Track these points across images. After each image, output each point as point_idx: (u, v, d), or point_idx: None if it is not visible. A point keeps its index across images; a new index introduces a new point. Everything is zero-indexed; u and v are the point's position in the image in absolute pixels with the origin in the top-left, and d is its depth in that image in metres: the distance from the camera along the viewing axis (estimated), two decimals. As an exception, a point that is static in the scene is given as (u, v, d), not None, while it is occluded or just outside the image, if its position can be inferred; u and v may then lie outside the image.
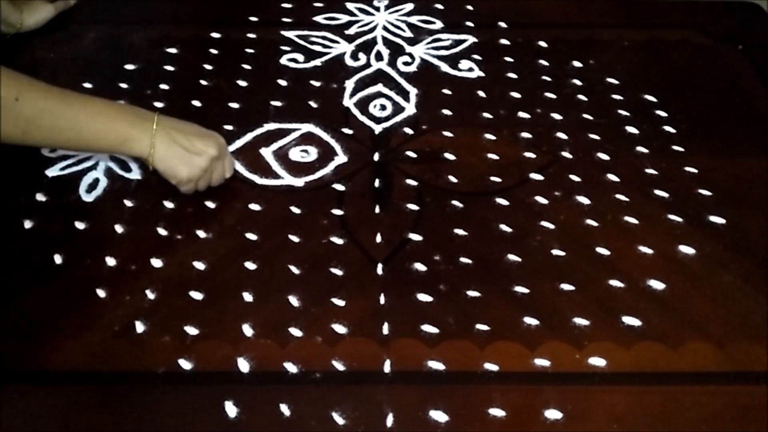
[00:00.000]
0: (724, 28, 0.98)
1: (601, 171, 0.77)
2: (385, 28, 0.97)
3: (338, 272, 0.67)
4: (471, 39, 0.95)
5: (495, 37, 0.96)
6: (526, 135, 0.82)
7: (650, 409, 0.58)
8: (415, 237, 0.70)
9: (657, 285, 0.66)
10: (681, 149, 0.80)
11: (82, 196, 0.73)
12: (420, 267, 0.68)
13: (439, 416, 0.57)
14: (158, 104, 0.84)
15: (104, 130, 0.66)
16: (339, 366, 0.60)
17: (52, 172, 0.75)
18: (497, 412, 0.57)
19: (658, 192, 0.75)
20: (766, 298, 0.66)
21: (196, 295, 0.65)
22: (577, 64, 0.92)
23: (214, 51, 0.92)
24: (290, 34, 0.95)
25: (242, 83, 0.88)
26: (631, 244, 0.70)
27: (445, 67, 0.91)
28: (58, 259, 0.67)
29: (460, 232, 0.71)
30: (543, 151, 0.80)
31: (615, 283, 0.67)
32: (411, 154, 0.79)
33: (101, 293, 0.65)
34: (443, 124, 0.83)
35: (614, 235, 0.71)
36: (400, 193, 0.75)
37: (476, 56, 0.93)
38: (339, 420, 0.56)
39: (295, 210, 0.73)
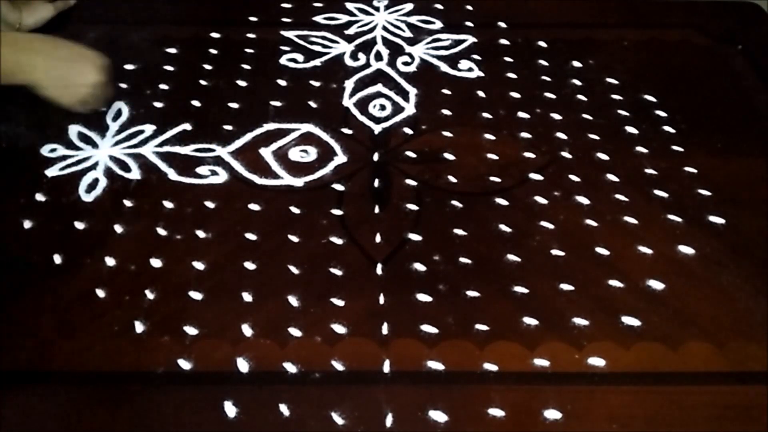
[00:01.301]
0: (724, 28, 0.98)
1: (600, 171, 0.77)
2: (384, 28, 0.97)
3: (338, 272, 0.67)
4: (471, 39, 0.95)
5: (495, 37, 0.96)
6: (525, 135, 0.82)
7: (650, 409, 0.58)
8: (415, 237, 0.70)
9: (657, 285, 0.66)
10: (681, 149, 0.80)
11: (81, 196, 0.73)
12: (419, 267, 0.68)
13: (438, 416, 0.57)
14: (158, 104, 0.84)
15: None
16: (338, 366, 0.60)
17: (52, 172, 0.75)
18: (497, 412, 0.57)
19: (657, 192, 0.75)
20: (766, 298, 0.66)
21: (196, 295, 0.65)
22: (576, 64, 0.92)
23: (214, 51, 0.92)
24: (290, 34, 0.95)
25: (242, 83, 0.88)
26: (631, 244, 0.70)
27: (444, 67, 0.91)
28: (58, 259, 0.67)
29: (459, 232, 0.71)
30: (543, 151, 0.80)
31: (615, 283, 0.67)
32: (410, 154, 0.79)
33: (101, 293, 0.65)
34: (443, 124, 0.83)
35: (614, 235, 0.71)
36: (400, 193, 0.75)
37: (476, 56, 0.93)
38: (338, 420, 0.56)
39: (295, 210, 0.73)
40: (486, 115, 0.84)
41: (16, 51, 0.70)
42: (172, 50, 0.92)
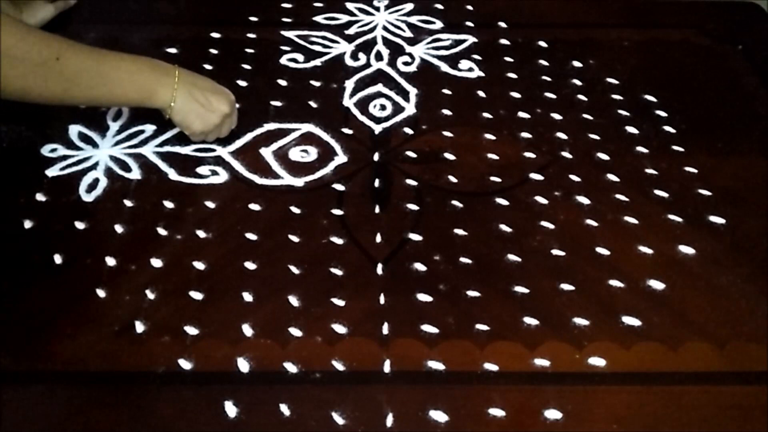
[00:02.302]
0: (724, 28, 0.98)
1: (601, 171, 0.77)
2: (385, 28, 0.97)
3: (338, 272, 0.67)
4: (471, 39, 0.95)
5: (495, 37, 0.96)
6: (526, 135, 0.82)
7: (650, 409, 0.58)
8: (415, 237, 0.70)
9: (657, 285, 0.66)
10: (681, 149, 0.80)
11: (82, 196, 0.73)
12: (420, 267, 0.68)
13: (438, 416, 0.57)
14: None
15: (132, 86, 0.71)
16: (339, 366, 0.60)
17: (52, 172, 0.75)
18: (497, 412, 0.57)
19: (658, 192, 0.75)
20: (766, 298, 0.66)
21: (196, 295, 0.65)
22: (576, 64, 0.92)
23: (214, 51, 0.92)
24: (290, 34, 0.95)
25: (242, 83, 0.88)
26: (631, 244, 0.70)
27: (445, 67, 0.91)
28: (58, 259, 0.67)
29: (460, 232, 0.71)
30: (543, 151, 0.80)
31: (615, 283, 0.67)
32: (411, 154, 0.79)
33: (101, 293, 0.65)
34: (443, 124, 0.83)
35: (614, 235, 0.71)
36: (400, 193, 0.75)
37: (476, 56, 0.93)
38: (339, 420, 0.56)
39: (295, 210, 0.73)
40: (486, 115, 0.84)
41: (158, 75, 0.72)
42: (172, 50, 0.92)
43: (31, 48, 0.64)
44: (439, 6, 1.01)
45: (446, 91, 0.87)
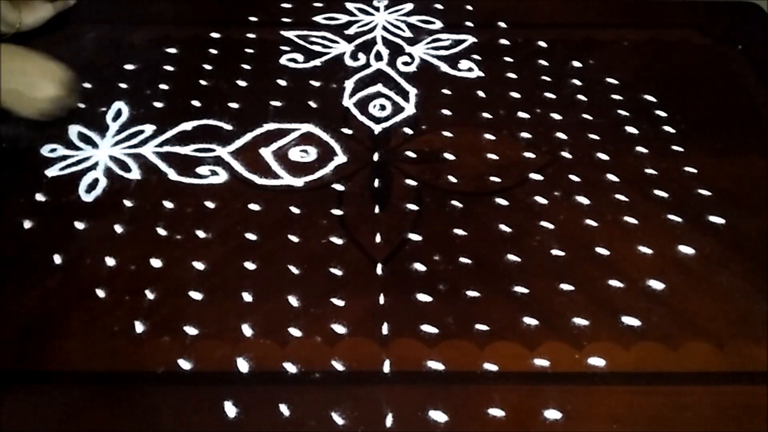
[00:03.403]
0: (724, 28, 0.98)
1: (600, 171, 0.77)
2: (384, 28, 0.97)
3: (338, 272, 0.67)
4: (471, 39, 0.95)
5: (495, 37, 0.96)
6: (525, 135, 0.82)
7: (650, 409, 0.58)
8: (415, 237, 0.70)
9: (657, 285, 0.66)
10: (681, 149, 0.80)
11: (81, 196, 0.73)
12: (420, 267, 0.68)
13: (438, 416, 0.57)
14: (158, 104, 0.84)
15: None
16: (339, 366, 0.60)
17: (52, 172, 0.75)
18: (497, 412, 0.57)
19: (657, 192, 0.75)
20: (766, 298, 0.66)
21: (196, 295, 0.65)
22: (576, 64, 0.92)
23: (214, 51, 0.92)
24: (290, 34, 0.95)
25: (242, 83, 0.88)
26: (631, 244, 0.70)
27: (444, 67, 0.91)
28: (58, 259, 0.67)
29: (459, 232, 0.71)
30: (543, 151, 0.80)
31: (615, 283, 0.67)
32: (411, 154, 0.79)
33: (101, 293, 0.65)
34: (443, 124, 0.83)
35: (614, 235, 0.71)
36: (400, 193, 0.75)
37: (476, 56, 0.93)
38: (339, 420, 0.56)
39: (295, 210, 0.73)
40: (486, 115, 0.84)
41: None
42: (172, 50, 0.92)
43: None
44: (439, 6, 1.01)
45: (446, 91, 0.87)
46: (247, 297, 0.65)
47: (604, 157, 0.79)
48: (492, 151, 0.80)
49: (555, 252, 0.69)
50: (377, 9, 1.00)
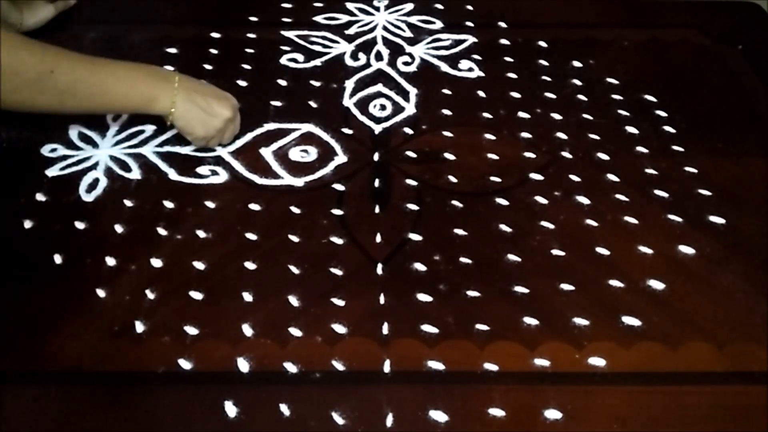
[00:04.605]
0: (724, 28, 0.98)
1: (601, 171, 0.77)
2: (385, 28, 0.97)
3: (338, 272, 0.67)
4: (471, 39, 0.95)
5: (495, 37, 0.96)
6: (526, 135, 0.82)
7: (650, 409, 0.58)
8: (415, 237, 0.70)
9: (657, 285, 0.66)
10: (681, 149, 0.80)
11: (82, 196, 0.73)
12: (420, 267, 0.68)
13: (439, 416, 0.57)
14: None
15: (130, 93, 0.71)
16: (339, 366, 0.60)
17: (52, 172, 0.75)
18: (497, 412, 0.57)
19: (658, 192, 0.75)
20: (766, 298, 0.66)
21: (196, 295, 0.65)
22: (577, 64, 0.92)
23: (214, 51, 0.92)
24: (290, 34, 0.95)
25: (242, 83, 0.88)
26: (631, 244, 0.70)
27: (445, 67, 0.91)
28: (58, 259, 0.67)
29: (460, 232, 0.71)
30: (543, 151, 0.80)
31: (615, 283, 0.67)
32: (411, 154, 0.79)
33: (101, 293, 0.65)
34: (443, 124, 0.83)
35: (614, 235, 0.71)
36: (400, 193, 0.75)
37: (476, 56, 0.93)
38: (339, 420, 0.56)
39: (295, 210, 0.73)
40: (486, 115, 0.84)
41: (156, 81, 0.72)
42: (172, 50, 0.92)
43: (25, 62, 0.64)
44: (439, 6, 1.01)
45: (446, 91, 0.87)
46: (247, 297, 0.65)
47: (604, 157, 0.79)
48: (492, 151, 0.80)
49: (555, 252, 0.69)
50: (377, 9, 1.00)
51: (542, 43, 0.95)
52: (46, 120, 0.80)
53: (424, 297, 0.65)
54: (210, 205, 0.73)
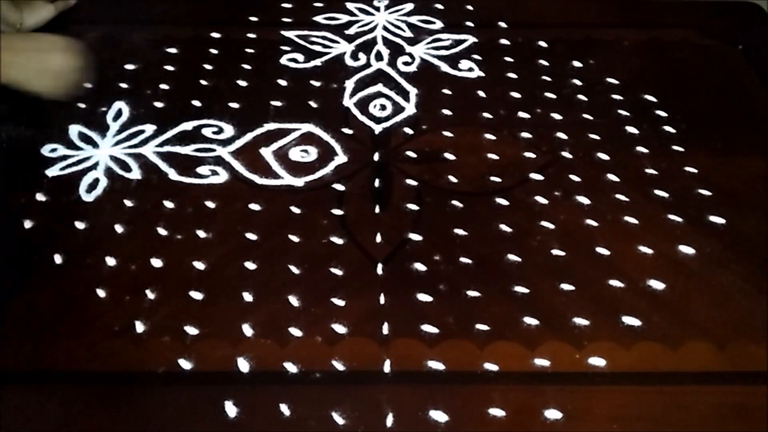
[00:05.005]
0: (724, 28, 0.98)
1: (601, 171, 0.77)
2: (385, 28, 0.97)
3: (338, 272, 0.67)
4: (471, 39, 0.95)
5: (495, 37, 0.96)
6: (526, 135, 0.82)
7: (650, 409, 0.58)
8: (415, 237, 0.70)
9: (657, 285, 0.66)
10: (681, 149, 0.80)
11: (82, 196, 0.73)
12: (420, 267, 0.68)
13: (439, 416, 0.57)
14: (158, 104, 0.84)
15: None
16: (339, 366, 0.60)
17: (52, 172, 0.75)
18: (497, 412, 0.57)
19: (658, 192, 0.75)
20: (766, 298, 0.66)
21: (196, 295, 0.65)
22: (577, 64, 0.92)
23: (214, 51, 0.92)
24: (290, 34, 0.95)
25: (242, 83, 0.88)
26: (631, 244, 0.70)
27: (445, 67, 0.91)
28: (58, 259, 0.67)
29: (460, 232, 0.71)
30: (543, 151, 0.80)
31: (615, 283, 0.67)
32: (411, 154, 0.79)
33: (101, 293, 0.65)
34: (443, 124, 0.83)
35: (614, 235, 0.71)
36: (400, 193, 0.75)
37: (476, 56, 0.93)
38: (339, 420, 0.56)
39: (295, 210, 0.73)
40: (486, 115, 0.84)
41: None
42: (172, 50, 0.92)
43: None
44: (439, 6, 1.01)
45: (446, 91, 0.87)
46: (247, 297, 0.65)
47: (604, 157, 0.79)
48: (492, 151, 0.80)
49: (555, 252, 0.69)
50: (377, 9, 1.00)
51: (542, 43, 0.95)
52: (46, 120, 0.80)
53: (424, 297, 0.65)
54: (210, 205, 0.73)
